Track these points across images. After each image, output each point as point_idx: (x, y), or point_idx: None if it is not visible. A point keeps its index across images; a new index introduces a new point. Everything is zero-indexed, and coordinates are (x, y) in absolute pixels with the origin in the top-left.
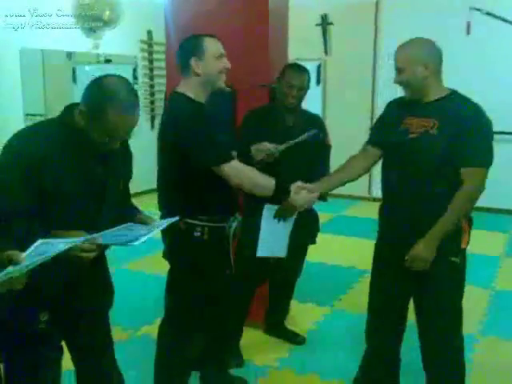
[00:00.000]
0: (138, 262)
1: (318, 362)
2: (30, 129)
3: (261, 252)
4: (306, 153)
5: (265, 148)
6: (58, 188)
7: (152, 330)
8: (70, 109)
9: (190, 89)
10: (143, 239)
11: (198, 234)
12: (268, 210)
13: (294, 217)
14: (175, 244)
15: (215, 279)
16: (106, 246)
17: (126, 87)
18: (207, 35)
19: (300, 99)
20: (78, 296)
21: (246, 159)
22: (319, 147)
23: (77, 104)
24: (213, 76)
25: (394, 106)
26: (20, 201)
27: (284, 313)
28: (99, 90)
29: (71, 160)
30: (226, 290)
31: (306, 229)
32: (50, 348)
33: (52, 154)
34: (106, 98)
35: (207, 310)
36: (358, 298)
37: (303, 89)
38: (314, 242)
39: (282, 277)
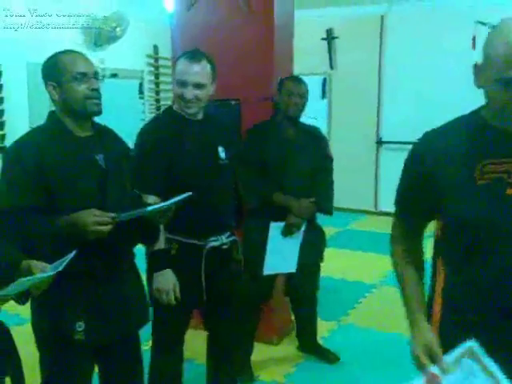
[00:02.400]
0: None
1: (324, 377)
2: (25, 134)
3: (267, 270)
4: (309, 164)
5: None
6: (62, 180)
7: None
8: (53, 111)
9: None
10: (155, 207)
11: (168, 247)
12: (274, 229)
13: (302, 230)
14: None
15: (182, 297)
16: (120, 221)
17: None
18: (187, 55)
19: (300, 108)
20: (113, 309)
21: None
22: (322, 159)
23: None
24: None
25: (446, 144)
26: (27, 196)
27: (312, 330)
28: (46, 61)
29: (68, 152)
30: (210, 313)
31: (313, 246)
32: (84, 359)
33: (49, 150)
34: (53, 57)
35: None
36: (366, 312)
37: (303, 97)
38: (321, 260)
39: (300, 295)
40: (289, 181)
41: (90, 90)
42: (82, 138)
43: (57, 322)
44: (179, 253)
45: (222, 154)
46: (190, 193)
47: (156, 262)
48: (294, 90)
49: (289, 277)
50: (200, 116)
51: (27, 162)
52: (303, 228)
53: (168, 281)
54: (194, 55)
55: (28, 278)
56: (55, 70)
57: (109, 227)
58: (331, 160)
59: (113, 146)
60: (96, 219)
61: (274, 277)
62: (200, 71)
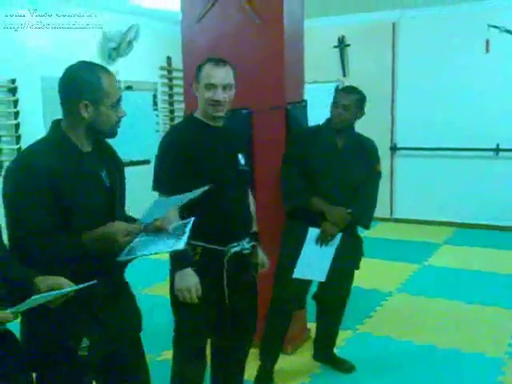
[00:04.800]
0: (159, 287)
1: None
2: (32, 152)
3: (297, 273)
4: (352, 175)
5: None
6: (75, 198)
7: None
8: (57, 123)
9: (199, 110)
10: (182, 243)
11: (191, 254)
12: (311, 234)
13: (338, 242)
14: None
15: (204, 304)
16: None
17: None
18: (212, 61)
19: (346, 120)
20: (113, 322)
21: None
22: (367, 172)
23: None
24: (202, 104)
25: None
26: (45, 219)
27: (332, 339)
28: (81, 75)
29: (77, 170)
30: (230, 321)
31: (350, 254)
32: (85, 374)
33: (60, 169)
34: (91, 72)
35: (211, 339)
36: (382, 321)
37: (347, 109)
38: (357, 268)
39: (330, 303)
40: (328, 189)
41: (119, 117)
42: (86, 154)
43: (61, 340)
44: (202, 258)
45: (242, 161)
46: (207, 187)
47: (176, 263)
48: (338, 100)
49: (321, 282)
50: (221, 123)
51: (40, 184)
52: (338, 240)
53: (189, 279)
54: (218, 60)
55: (42, 294)
56: (94, 90)
57: (131, 238)
58: (378, 175)
59: (111, 163)
60: (127, 228)
61: (307, 282)
62: (227, 73)
